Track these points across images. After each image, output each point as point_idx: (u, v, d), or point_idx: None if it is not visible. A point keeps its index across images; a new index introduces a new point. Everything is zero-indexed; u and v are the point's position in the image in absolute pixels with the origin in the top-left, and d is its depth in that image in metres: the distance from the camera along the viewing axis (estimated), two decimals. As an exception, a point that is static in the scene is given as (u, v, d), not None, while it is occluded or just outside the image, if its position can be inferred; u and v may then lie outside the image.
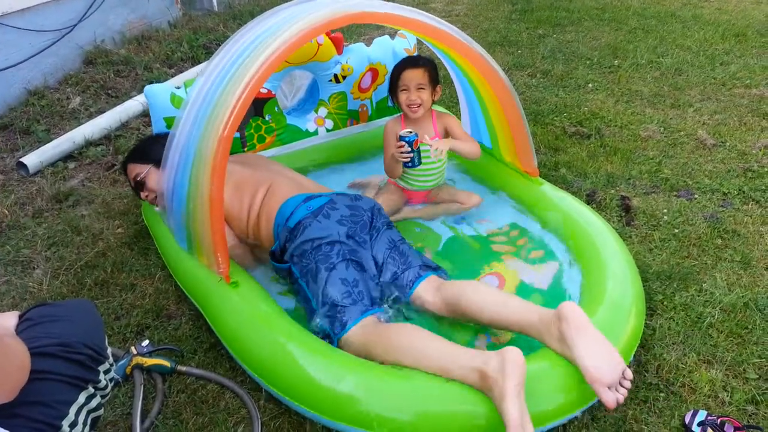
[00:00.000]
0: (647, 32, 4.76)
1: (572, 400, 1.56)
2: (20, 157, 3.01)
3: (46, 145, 3.11)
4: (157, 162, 2.08)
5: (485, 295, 1.79)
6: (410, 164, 2.36)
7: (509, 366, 1.44)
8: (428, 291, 1.91)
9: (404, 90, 2.40)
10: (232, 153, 1.89)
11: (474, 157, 2.48)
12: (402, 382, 1.56)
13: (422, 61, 2.43)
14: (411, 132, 2.33)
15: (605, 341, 1.55)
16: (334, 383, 1.58)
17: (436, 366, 1.56)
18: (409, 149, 2.31)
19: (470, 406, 1.50)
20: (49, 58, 3.85)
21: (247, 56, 1.81)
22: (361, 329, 1.73)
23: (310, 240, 1.93)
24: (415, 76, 2.38)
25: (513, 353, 1.47)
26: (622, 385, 1.51)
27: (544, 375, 1.56)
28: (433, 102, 2.46)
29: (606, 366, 1.50)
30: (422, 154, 2.39)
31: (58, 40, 3.89)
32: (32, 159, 2.99)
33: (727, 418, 1.59)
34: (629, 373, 1.53)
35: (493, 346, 1.81)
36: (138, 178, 2.28)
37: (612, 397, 1.47)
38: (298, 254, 1.95)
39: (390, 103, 2.84)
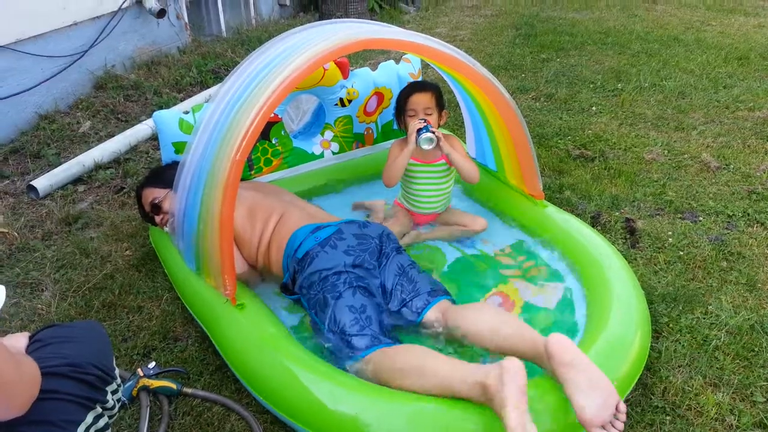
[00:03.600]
0: (650, 56, 4.80)
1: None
2: (30, 181, 3.05)
3: (56, 168, 3.15)
4: None
5: (482, 323, 1.79)
6: (423, 130, 2.35)
7: (507, 375, 1.43)
8: (437, 317, 1.92)
9: (412, 115, 2.43)
10: (241, 178, 1.92)
11: (471, 177, 2.46)
12: (407, 404, 1.56)
13: (429, 86, 2.48)
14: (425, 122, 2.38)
15: (597, 374, 1.49)
16: (340, 406, 1.58)
17: (441, 385, 1.56)
18: (424, 126, 2.35)
19: (475, 426, 1.50)
20: (61, 83, 3.92)
21: (260, 81, 1.85)
22: (369, 359, 1.73)
23: (318, 271, 1.95)
24: (422, 101, 2.42)
25: (511, 362, 1.46)
26: (617, 418, 1.47)
27: (546, 393, 1.56)
28: (439, 126, 2.49)
29: (596, 405, 1.45)
30: (430, 176, 2.43)
31: (69, 66, 3.96)
32: (42, 182, 3.03)
33: (734, 442, 1.58)
34: (623, 407, 1.48)
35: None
36: (156, 202, 2.33)
37: None
38: (307, 285, 1.97)
39: (395, 126, 2.87)
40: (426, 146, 2.34)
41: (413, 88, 2.49)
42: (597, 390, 1.47)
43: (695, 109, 3.77)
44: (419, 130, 2.35)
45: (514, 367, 1.45)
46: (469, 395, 1.52)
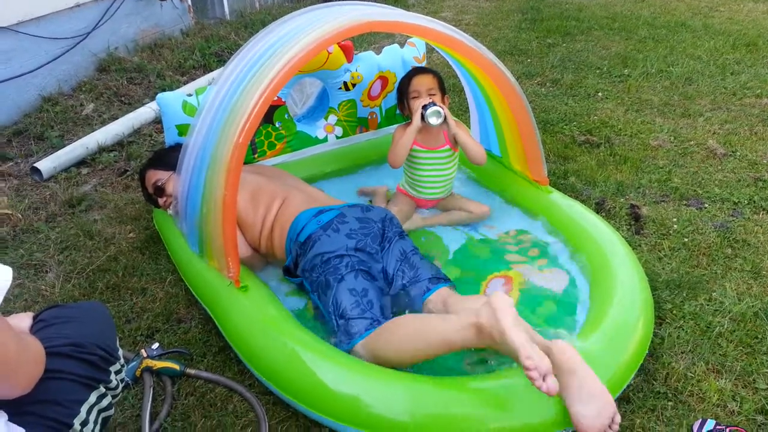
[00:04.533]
0: (657, 42, 4.76)
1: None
2: (34, 163, 3.05)
3: (60, 150, 3.15)
4: None
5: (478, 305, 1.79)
6: (429, 105, 2.33)
7: (499, 308, 1.48)
8: (437, 304, 1.91)
9: (415, 97, 2.41)
10: (245, 162, 1.91)
11: (478, 159, 2.45)
12: (409, 383, 1.57)
13: (430, 70, 2.47)
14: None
15: (597, 385, 1.51)
16: (342, 386, 1.59)
17: (439, 341, 1.59)
18: (430, 102, 2.35)
19: (477, 408, 1.51)
20: (63, 65, 3.91)
21: (264, 63, 1.83)
22: (368, 340, 1.74)
23: (320, 254, 1.95)
24: (425, 82, 2.41)
25: (498, 296, 1.52)
26: (610, 428, 1.49)
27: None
28: (442, 111, 2.48)
29: (595, 414, 1.47)
30: (434, 162, 2.43)
31: (72, 48, 3.95)
32: (46, 164, 3.03)
33: (736, 428, 1.58)
34: (618, 418, 1.50)
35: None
36: (159, 184, 2.32)
37: None
38: (309, 268, 1.97)
39: (398, 112, 2.85)
40: (434, 120, 2.31)
41: (415, 71, 2.49)
42: (595, 399, 1.49)
43: (702, 95, 3.74)
44: (425, 106, 2.33)
45: (502, 299, 1.51)
46: (467, 342, 1.56)
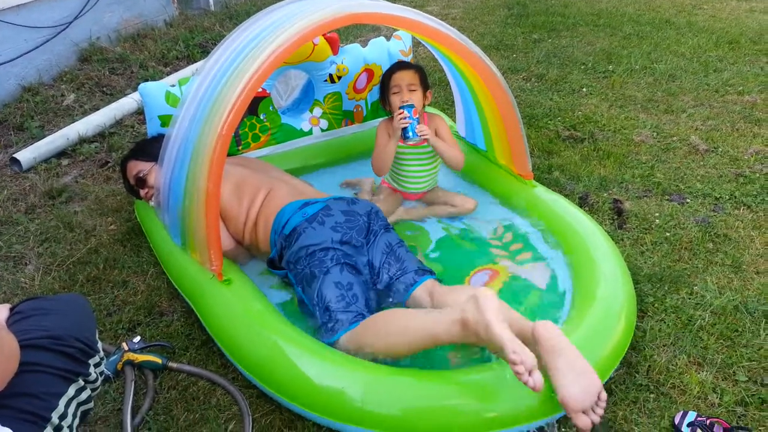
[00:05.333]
0: (642, 38, 4.79)
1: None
2: (13, 153, 3.00)
3: (40, 141, 3.10)
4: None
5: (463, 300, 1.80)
6: (409, 133, 2.33)
7: (482, 302, 1.49)
8: (423, 296, 1.91)
9: (396, 92, 2.40)
10: (228, 153, 1.89)
11: (454, 164, 2.46)
12: (393, 377, 1.57)
13: (413, 65, 2.46)
14: (410, 102, 2.35)
15: (581, 362, 1.52)
16: (325, 380, 1.59)
17: (424, 335, 1.60)
18: (408, 116, 2.33)
19: (462, 400, 1.52)
20: (44, 54, 3.84)
21: (248, 54, 1.81)
22: (352, 333, 1.73)
23: (305, 247, 1.94)
24: (406, 77, 2.39)
25: (482, 291, 1.53)
26: (597, 405, 1.50)
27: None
28: (425, 106, 2.47)
29: (581, 392, 1.47)
30: (417, 157, 2.43)
31: (53, 37, 3.88)
32: (25, 155, 2.98)
33: (716, 419, 1.60)
34: (604, 395, 1.51)
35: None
36: (140, 175, 2.29)
37: (586, 421, 1.47)
38: (294, 261, 1.96)
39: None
40: (413, 143, 2.39)
41: (397, 66, 2.48)
42: (581, 377, 1.49)
43: (685, 92, 3.77)
44: (404, 130, 2.33)
45: (485, 293, 1.52)
46: (452, 337, 1.56)
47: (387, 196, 2.57)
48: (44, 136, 3.16)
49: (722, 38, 4.69)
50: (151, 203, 2.30)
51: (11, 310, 1.29)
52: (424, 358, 1.73)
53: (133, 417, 1.63)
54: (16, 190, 2.81)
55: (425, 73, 2.47)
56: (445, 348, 1.78)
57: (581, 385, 1.48)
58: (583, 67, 4.23)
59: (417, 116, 2.34)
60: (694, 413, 1.62)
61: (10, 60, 3.60)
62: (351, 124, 2.96)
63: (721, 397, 1.70)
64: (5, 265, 2.30)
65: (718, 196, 2.64)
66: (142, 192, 2.32)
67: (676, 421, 1.61)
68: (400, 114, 2.33)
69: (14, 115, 3.43)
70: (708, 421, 1.59)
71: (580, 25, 5.17)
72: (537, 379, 1.39)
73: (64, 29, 3.96)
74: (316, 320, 1.83)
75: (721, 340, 1.89)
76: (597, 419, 1.48)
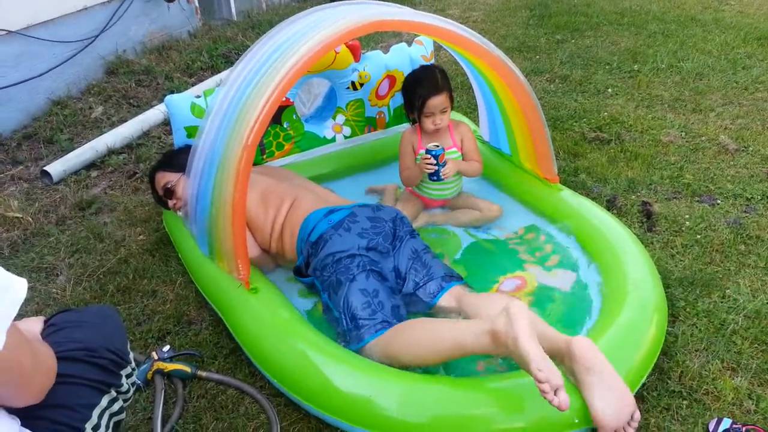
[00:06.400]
0: (667, 36, 4.71)
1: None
2: (44, 166, 3.06)
3: (69, 153, 3.16)
4: None
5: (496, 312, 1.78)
6: (434, 177, 2.39)
7: (514, 314, 1.47)
8: (450, 302, 1.91)
9: (428, 115, 2.40)
10: (254, 163, 1.91)
11: (475, 176, 2.55)
12: (421, 385, 1.56)
13: (441, 81, 2.39)
14: (438, 146, 2.35)
15: (617, 381, 1.52)
16: (353, 388, 1.59)
17: (452, 345, 1.59)
18: (435, 162, 2.34)
19: (488, 409, 1.51)
20: (72, 68, 3.92)
21: (271, 65, 1.82)
22: (378, 340, 1.73)
23: (332, 254, 1.94)
24: (439, 103, 2.37)
25: (515, 303, 1.51)
26: (629, 425, 1.50)
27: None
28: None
29: (614, 411, 1.48)
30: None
31: (80, 51, 3.96)
32: (56, 167, 3.04)
33: (752, 427, 1.56)
34: (638, 415, 1.51)
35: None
36: (168, 186, 2.32)
37: None
38: (320, 268, 1.97)
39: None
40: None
41: (429, 89, 2.36)
42: (616, 397, 1.49)
43: (713, 90, 3.70)
44: (431, 175, 2.39)
45: (518, 306, 1.50)
46: (481, 348, 1.55)
47: (411, 202, 2.57)
48: (73, 149, 3.23)
49: (750, 34, 4.59)
50: (179, 213, 2.33)
51: (45, 322, 1.31)
52: (452, 363, 1.72)
53: (163, 426, 1.64)
54: (47, 202, 2.87)
55: (451, 88, 2.44)
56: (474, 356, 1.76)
57: (616, 406, 1.48)
58: (607, 67, 4.18)
59: (444, 161, 2.35)
60: (729, 420, 1.59)
61: (40, 75, 3.68)
62: (374, 131, 2.96)
63: (757, 404, 1.66)
64: (37, 276, 2.35)
65: (750, 196, 2.58)
66: (171, 202, 2.35)
67: (711, 429, 1.58)
68: (427, 160, 2.35)
69: (44, 128, 3.51)
70: (744, 429, 1.55)
71: (604, 25, 5.10)
72: (563, 398, 1.37)
73: (92, 43, 4.04)
74: (343, 327, 1.84)
75: (756, 345, 1.85)
76: None
